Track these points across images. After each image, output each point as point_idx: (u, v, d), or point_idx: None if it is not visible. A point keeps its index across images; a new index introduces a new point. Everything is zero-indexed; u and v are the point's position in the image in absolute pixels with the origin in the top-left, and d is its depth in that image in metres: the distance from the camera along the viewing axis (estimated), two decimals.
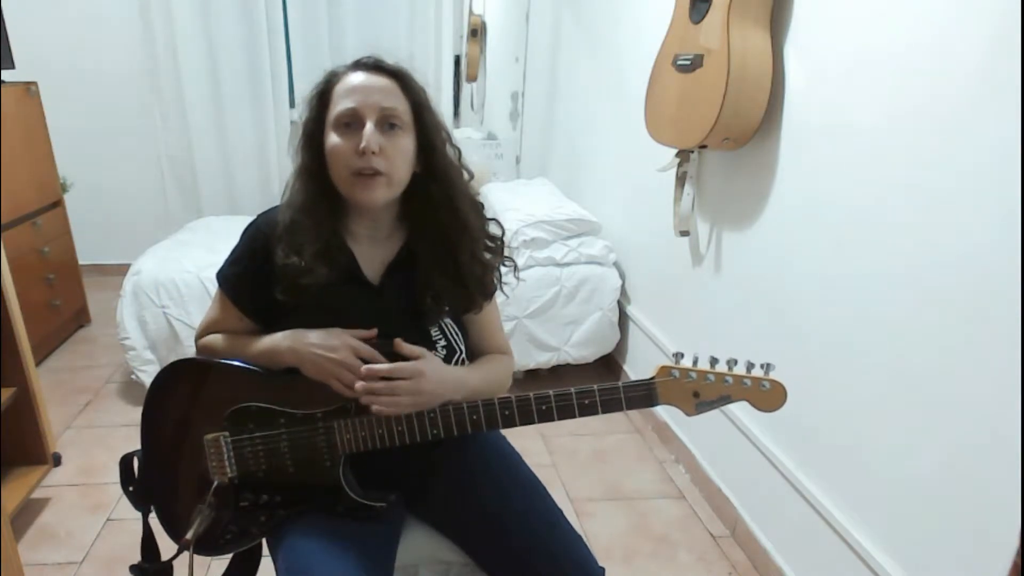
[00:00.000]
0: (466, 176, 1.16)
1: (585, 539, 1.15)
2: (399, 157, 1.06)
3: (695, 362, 1.01)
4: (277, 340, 1.07)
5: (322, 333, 1.05)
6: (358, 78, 1.06)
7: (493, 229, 1.20)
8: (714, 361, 1.01)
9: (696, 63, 1.74)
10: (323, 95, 1.08)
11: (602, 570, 1.13)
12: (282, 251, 1.06)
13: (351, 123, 1.04)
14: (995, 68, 1.11)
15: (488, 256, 1.16)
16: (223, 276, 1.15)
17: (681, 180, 2.02)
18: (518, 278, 1.24)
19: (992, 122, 1.11)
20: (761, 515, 1.86)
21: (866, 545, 1.42)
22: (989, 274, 1.13)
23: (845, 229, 1.47)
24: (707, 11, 1.69)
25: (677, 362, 1.01)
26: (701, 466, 2.15)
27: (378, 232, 1.14)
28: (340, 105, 1.05)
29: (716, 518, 2.04)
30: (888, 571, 1.36)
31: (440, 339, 1.15)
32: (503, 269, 1.21)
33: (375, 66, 1.08)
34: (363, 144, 1.01)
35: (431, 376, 1.04)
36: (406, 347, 1.05)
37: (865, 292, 1.41)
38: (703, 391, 1.00)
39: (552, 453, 2.36)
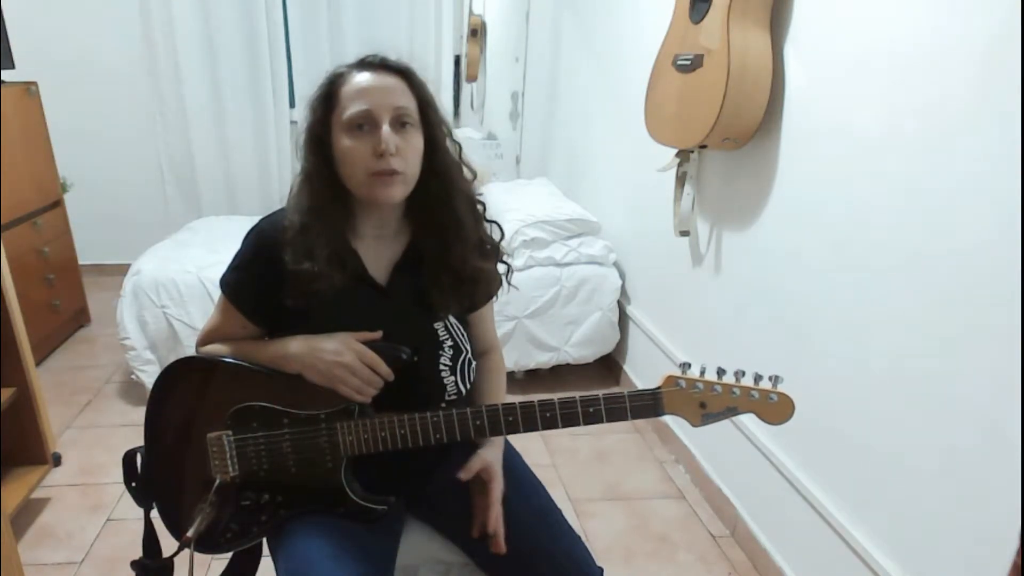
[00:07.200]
0: (468, 174, 1.14)
1: (585, 539, 1.16)
2: (413, 155, 1.05)
3: (702, 372, 0.99)
4: (282, 348, 1.07)
5: (327, 338, 1.04)
6: (366, 78, 1.04)
7: (492, 232, 1.19)
8: (721, 372, 0.99)
9: (696, 63, 1.74)
10: (329, 97, 1.06)
11: (600, 570, 1.13)
12: (292, 256, 1.03)
13: (364, 124, 1.02)
14: (995, 69, 1.11)
15: (481, 259, 1.14)
16: (226, 282, 1.13)
17: (681, 180, 2.03)
18: (510, 283, 1.22)
19: (992, 122, 1.12)
20: (761, 515, 1.86)
21: (866, 545, 1.42)
22: (989, 274, 1.13)
23: (845, 229, 1.47)
24: (707, 11, 1.69)
25: (684, 372, 0.99)
26: (701, 466, 2.15)
27: (384, 230, 1.13)
28: (352, 107, 1.02)
29: (716, 518, 2.04)
30: (888, 571, 1.36)
31: (447, 339, 1.14)
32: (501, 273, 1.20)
33: (381, 65, 1.07)
34: (383, 146, 1.00)
35: (497, 467, 1.13)
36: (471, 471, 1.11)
37: (865, 292, 1.41)
38: (710, 402, 0.99)
39: (552, 453, 2.37)
